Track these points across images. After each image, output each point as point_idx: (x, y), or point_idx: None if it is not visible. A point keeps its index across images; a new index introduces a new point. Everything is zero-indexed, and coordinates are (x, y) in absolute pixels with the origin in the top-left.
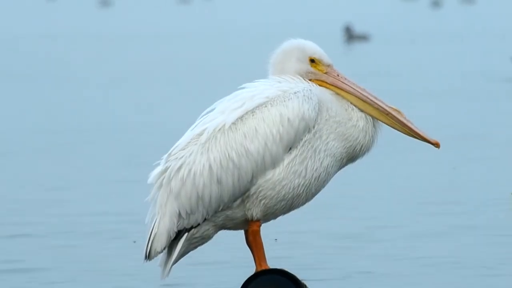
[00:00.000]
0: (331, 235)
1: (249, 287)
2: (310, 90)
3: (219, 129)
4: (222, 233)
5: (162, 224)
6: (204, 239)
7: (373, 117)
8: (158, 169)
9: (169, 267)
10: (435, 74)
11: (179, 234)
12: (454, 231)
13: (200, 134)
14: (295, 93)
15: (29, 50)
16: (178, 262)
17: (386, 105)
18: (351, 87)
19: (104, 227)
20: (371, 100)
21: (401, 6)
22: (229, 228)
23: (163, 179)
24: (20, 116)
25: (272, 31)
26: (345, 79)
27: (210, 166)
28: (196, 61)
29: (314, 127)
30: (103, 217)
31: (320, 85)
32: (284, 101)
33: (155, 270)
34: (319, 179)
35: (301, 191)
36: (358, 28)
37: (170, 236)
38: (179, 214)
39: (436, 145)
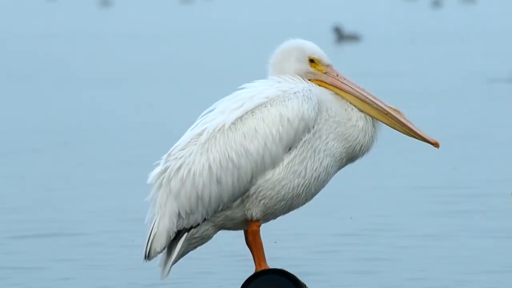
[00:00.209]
0: (331, 235)
1: (249, 287)
2: (309, 90)
3: (219, 129)
4: (222, 233)
5: (161, 224)
6: (204, 239)
7: (372, 117)
8: (158, 169)
9: (169, 267)
10: (429, 74)
11: (178, 234)
12: (454, 231)
13: (200, 134)
14: (294, 93)
15: (29, 50)
16: (177, 262)
17: (386, 105)
18: (351, 87)
19: (104, 227)
20: (371, 100)
21: (401, 6)
22: (229, 228)
23: (162, 179)
24: (20, 116)
25: (272, 31)
26: (345, 79)
27: (209, 166)
28: (196, 61)
29: (313, 127)
30: (102, 216)
31: (319, 85)
32: (284, 101)
33: (155, 269)
34: (319, 179)
35: (301, 191)
36: (358, 28)
37: (170, 236)
38: (179, 214)
39: (436, 145)
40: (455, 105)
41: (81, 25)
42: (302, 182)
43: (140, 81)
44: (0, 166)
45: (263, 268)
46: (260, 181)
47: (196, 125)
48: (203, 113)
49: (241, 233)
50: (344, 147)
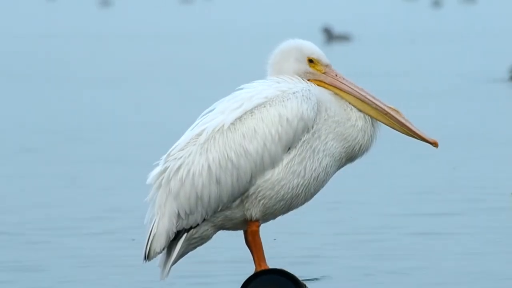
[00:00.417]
0: (331, 235)
1: (249, 287)
2: (309, 90)
3: (218, 130)
4: (222, 233)
5: (161, 224)
6: (204, 239)
7: (371, 117)
8: (157, 170)
9: (169, 268)
10: (428, 74)
11: (178, 235)
12: (454, 231)
13: (199, 135)
14: (294, 93)
15: (29, 50)
16: (177, 262)
17: (385, 105)
18: (350, 87)
19: (104, 226)
20: (370, 100)
21: (401, 6)
22: (228, 229)
23: (162, 179)
24: (20, 115)
25: (272, 31)
26: (344, 79)
27: (209, 167)
28: (196, 61)
29: (313, 127)
30: (102, 216)
31: (318, 85)
32: (283, 101)
33: (155, 269)
34: (318, 179)
35: (300, 191)
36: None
37: (169, 237)
38: (178, 215)
39: (435, 144)
40: (455, 105)
41: (81, 25)
42: (301, 182)
43: (140, 81)
44: (0, 166)
45: (263, 268)
46: (259, 181)
47: (195, 126)
48: (202, 114)
49: (240, 233)
50: (343, 147)
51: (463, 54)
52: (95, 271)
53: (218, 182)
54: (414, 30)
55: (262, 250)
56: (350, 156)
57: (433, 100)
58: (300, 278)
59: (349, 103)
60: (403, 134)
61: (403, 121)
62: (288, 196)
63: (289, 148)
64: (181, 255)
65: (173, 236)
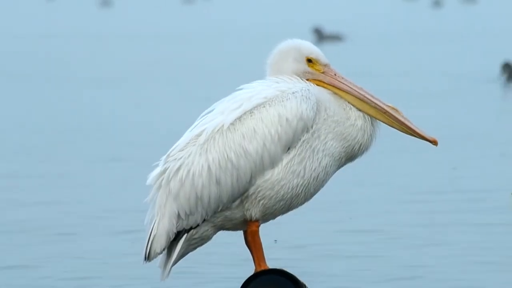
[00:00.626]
0: (331, 235)
1: (248, 287)
2: (308, 90)
3: (218, 130)
4: (221, 233)
5: (161, 225)
6: (204, 239)
7: (371, 116)
8: (157, 170)
9: (169, 268)
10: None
11: (178, 235)
12: (454, 231)
13: (199, 135)
14: (293, 93)
15: (29, 50)
16: (177, 263)
17: (384, 104)
18: (349, 86)
19: (103, 226)
20: (369, 99)
21: (402, 6)
22: (228, 229)
23: (162, 180)
24: (20, 115)
25: (272, 31)
26: (343, 78)
27: (209, 167)
28: (196, 61)
29: (312, 127)
30: (102, 216)
31: (317, 85)
32: (282, 101)
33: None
34: (318, 179)
35: (300, 191)
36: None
37: (170, 237)
38: (178, 215)
39: (434, 142)
40: (454, 105)
41: (81, 25)
42: (301, 182)
43: (140, 81)
44: (0, 164)
45: (262, 268)
46: (259, 182)
47: (195, 126)
48: (202, 114)
49: (240, 233)
50: (343, 147)
51: (463, 54)
52: (94, 271)
53: (218, 182)
54: (414, 30)
55: (262, 250)
56: (350, 156)
57: (432, 100)
58: (300, 278)
59: (348, 102)
60: (403, 133)
61: (402, 119)
62: (288, 196)
63: (288, 148)
64: (181, 255)
65: (173, 237)
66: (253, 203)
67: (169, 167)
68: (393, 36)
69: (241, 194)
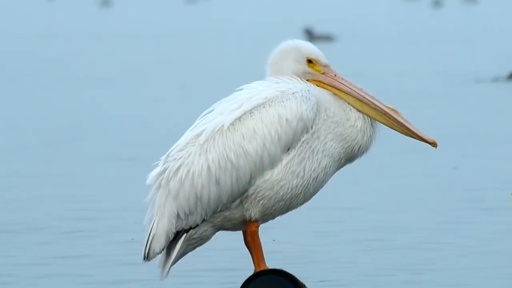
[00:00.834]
0: (331, 234)
1: None
2: (308, 90)
3: (218, 130)
4: (221, 233)
5: (160, 225)
6: (203, 239)
7: (370, 117)
8: (157, 170)
9: (168, 268)
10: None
11: (177, 235)
12: (454, 231)
13: (199, 135)
14: (293, 93)
15: (29, 50)
16: (176, 263)
17: (384, 105)
18: (349, 87)
19: (103, 226)
20: (369, 100)
21: (402, 6)
22: (228, 229)
23: (161, 180)
24: (20, 115)
25: (272, 31)
26: (343, 79)
27: (208, 167)
28: (196, 61)
29: (312, 127)
30: (101, 215)
31: (317, 86)
32: (282, 101)
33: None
34: (317, 180)
35: (299, 191)
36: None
37: (169, 237)
38: (178, 215)
39: (434, 144)
40: (455, 105)
41: (81, 25)
42: (300, 183)
43: (140, 81)
44: (0, 164)
45: (262, 268)
46: (258, 182)
47: (195, 126)
48: (202, 114)
49: (240, 232)
50: (343, 148)
51: (463, 54)
52: (94, 271)
53: (217, 182)
54: (414, 30)
55: (261, 251)
56: (349, 157)
57: (433, 100)
58: (299, 278)
59: (348, 103)
60: (402, 134)
61: (402, 121)
62: (287, 196)
63: (288, 149)
64: (180, 255)
65: (173, 237)
66: (252, 203)
67: (168, 167)
68: (393, 36)
69: (241, 194)
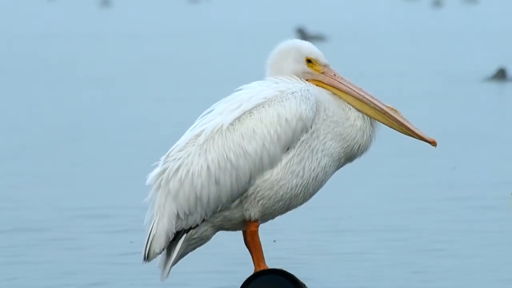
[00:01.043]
0: (330, 235)
1: (248, 287)
2: (307, 90)
3: (217, 130)
4: (220, 233)
5: (160, 225)
6: (203, 240)
7: (370, 117)
8: (156, 170)
9: (169, 268)
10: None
11: (177, 235)
12: (454, 231)
13: (198, 135)
14: (292, 93)
15: (29, 50)
16: (177, 263)
17: (383, 104)
18: (348, 87)
19: (103, 226)
20: (368, 100)
21: (402, 6)
22: (228, 229)
23: (161, 180)
24: (20, 115)
25: (272, 31)
26: (342, 79)
27: (208, 167)
28: (196, 61)
29: (311, 127)
30: (101, 215)
31: (317, 85)
32: (282, 101)
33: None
34: (317, 179)
35: (299, 191)
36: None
37: (169, 237)
38: (178, 215)
39: (433, 143)
40: (455, 105)
41: (81, 25)
42: (300, 182)
43: (140, 81)
44: (0, 163)
45: (262, 268)
46: (258, 182)
47: (194, 126)
48: (202, 115)
49: (240, 232)
50: (342, 147)
51: (463, 54)
52: (93, 271)
53: (217, 182)
54: (414, 30)
55: (261, 250)
56: (349, 156)
57: (433, 100)
58: (299, 278)
59: (348, 103)
60: (402, 134)
61: (401, 120)
62: (287, 196)
63: (288, 148)
64: (180, 255)
65: (173, 237)
66: (252, 203)
67: (168, 167)
68: (393, 36)
69: (240, 194)
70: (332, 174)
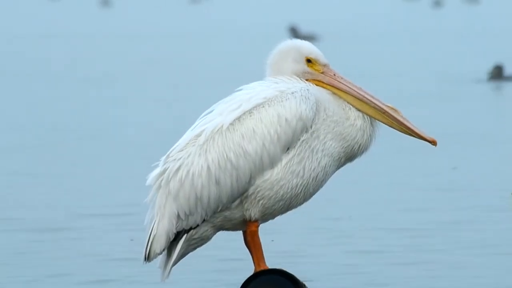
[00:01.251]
0: (330, 234)
1: (248, 287)
2: (307, 90)
3: (217, 130)
4: (221, 233)
5: (161, 225)
6: (203, 240)
7: (370, 116)
8: (157, 171)
9: (169, 269)
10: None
11: (178, 236)
12: (454, 231)
13: (198, 136)
14: (292, 93)
15: (29, 50)
16: (177, 263)
17: (383, 104)
18: (348, 87)
19: (102, 226)
20: (368, 99)
21: (402, 6)
22: (228, 229)
23: (161, 180)
24: (20, 115)
25: (273, 31)
26: (342, 78)
27: (208, 167)
28: (196, 61)
29: (311, 127)
30: (101, 215)
31: (317, 85)
32: (282, 101)
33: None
34: (317, 179)
35: (299, 191)
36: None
37: (169, 238)
38: (178, 216)
39: (433, 142)
40: (455, 105)
41: (81, 25)
42: (300, 182)
43: (140, 81)
44: (0, 163)
45: (262, 268)
46: (258, 182)
47: (195, 127)
48: (202, 115)
49: (240, 232)
50: (342, 147)
51: (463, 54)
52: (93, 271)
53: (217, 182)
54: (414, 30)
55: (261, 250)
56: (349, 156)
57: (433, 100)
58: (299, 278)
59: (348, 102)
60: (402, 133)
61: (401, 119)
62: (287, 196)
63: (288, 148)
64: (181, 256)
65: (173, 237)
66: (252, 203)
67: (168, 167)
68: (393, 36)
69: (241, 194)
70: (332, 174)
